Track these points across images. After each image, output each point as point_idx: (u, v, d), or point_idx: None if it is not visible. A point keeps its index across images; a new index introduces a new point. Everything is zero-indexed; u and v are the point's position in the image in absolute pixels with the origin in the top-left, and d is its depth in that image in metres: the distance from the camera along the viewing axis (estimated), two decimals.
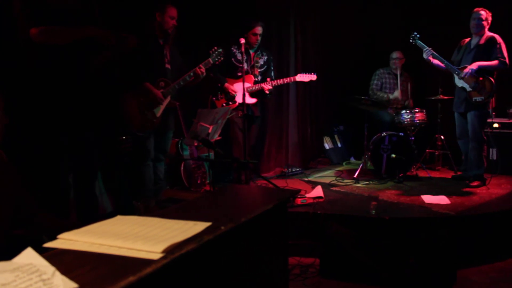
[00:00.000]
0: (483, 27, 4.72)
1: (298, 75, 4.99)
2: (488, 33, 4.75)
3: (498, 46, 4.64)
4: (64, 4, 3.18)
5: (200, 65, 4.10)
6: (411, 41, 5.05)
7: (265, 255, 1.97)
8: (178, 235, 1.32)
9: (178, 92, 4.23)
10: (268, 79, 4.89)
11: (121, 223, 1.47)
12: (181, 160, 4.99)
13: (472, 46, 4.83)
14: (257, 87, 4.84)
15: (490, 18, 4.74)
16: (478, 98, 4.67)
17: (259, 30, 4.82)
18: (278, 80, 4.88)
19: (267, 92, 4.84)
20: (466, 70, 4.65)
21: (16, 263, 1.11)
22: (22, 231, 2.04)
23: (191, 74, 4.06)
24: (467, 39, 4.95)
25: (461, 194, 4.48)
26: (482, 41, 4.74)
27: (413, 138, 5.49)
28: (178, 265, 1.23)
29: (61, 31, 3.07)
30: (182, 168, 4.98)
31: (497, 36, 4.70)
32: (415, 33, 5.03)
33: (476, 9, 4.76)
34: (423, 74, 6.16)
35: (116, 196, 4.31)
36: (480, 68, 4.62)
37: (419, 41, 5.00)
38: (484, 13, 4.71)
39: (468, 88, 4.72)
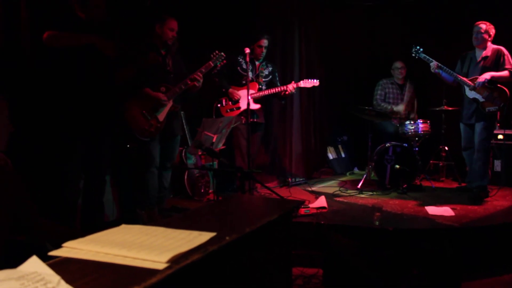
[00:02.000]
0: (484, 40, 4.76)
1: (301, 81, 5.05)
2: (493, 45, 4.78)
3: (505, 57, 4.69)
4: (89, 17, 3.30)
5: (196, 72, 4.11)
6: (413, 55, 5.06)
7: (269, 265, 1.96)
8: (183, 245, 1.31)
9: (182, 99, 4.24)
10: (293, 82, 4.99)
11: (126, 232, 1.47)
12: (185, 169, 4.99)
13: (478, 58, 4.84)
14: (276, 90, 4.92)
15: (492, 31, 4.78)
16: (492, 108, 4.67)
17: (264, 42, 4.93)
18: (289, 85, 4.94)
19: (289, 92, 4.92)
20: (479, 80, 4.66)
21: (22, 271, 1.11)
22: (23, 237, 2.04)
23: (187, 81, 4.07)
24: (469, 52, 4.97)
25: (465, 205, 4.45)
26: (488, 53, 4.77)
27: (417, 149, 5.48)
28: (183, 275, 1.22)
29: (64, 35, 3.18)
30: (185, 177, 4.98)
31: (502, 48, 4.75)
32: (418, 47, 5.03)
33: (477, 23, 4.81)
34: (427, 85, 6.17)
35: (121, 203, 4.32)
36: (492, 79, 4.64)
37: (423, 54, 4.98)
38: (484, 26, 4.75)
39: (481, 99, 4.71)
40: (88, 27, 3.30)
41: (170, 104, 4.03)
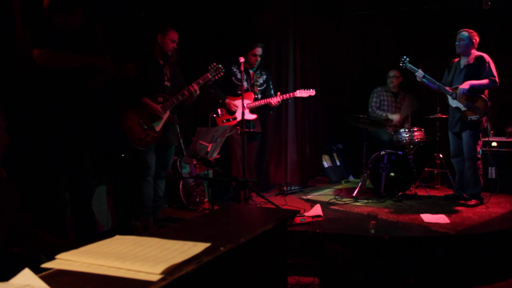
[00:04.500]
0: (466, 47, 4.76)
1: (298, 91, 5.05)
2: (476, 53, 4.77)
3: (487, 64, 4.66)
4: (68, 26, 3.22)
5: (193, 84, 4.13)
6: (401, 65, 5.13)
7: (264, 274, 1.96)
8: (177, 256, 1.31)
9: (178, 109, 4.24)
10: (279, 93, 4.97)
11: (120, 243, 1.46)
12: (180, 178, 4.98)
13: (461, 66, 4.87)
14: (261, 102, 4.90)
15: (476, 38, 4.77)
16: (474, 117, 4.67)
17: (258, 51, 4.91)
18: (284, 95, 4.94)
19: (274, 105, 4.90)
20: (459, 90, 4.69)
21: (13, 284, 1.10)
22: (18, 249, 2.02)
23: (185, 92, 4.09)
24: (456, 59, 5.00)
25: (460, 213, 4.47)
26: (471, 61, 4.77)
27: (411, 156, 5.50)
28: (177, 286, 1.22)
29: (62, 56, 3.11)
30: (180, 186, 4.97)
31: (485, 55, 4.73)
32: (404, 56, 5.10)
33: (460, 30, 4.82)
34: (421, 93, 6.20)
35: (116, 214, 4.30)
36: (472, 87, 4.64)
37: (409, 65, 5.05)
38: (466, 34, 4.75)
39: (463, 108, 4.74)
40: (69, 36, 3.22)
41: (167, 114, 4.05)
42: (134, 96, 3.95)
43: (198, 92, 4.15)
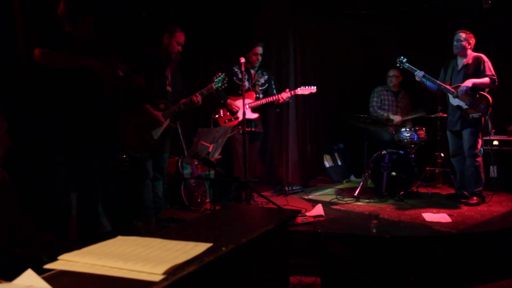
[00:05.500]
0: (464, 48, 4.85)
1: (298, 88, 5.05)
2: (474, 53, 4.87)
3: (485, 64, 4.76)
4: (79, 35, 3.24)
5: (197, 93, 4.09)
6: (398, 65, 5.20)
7: (266, 274, 1.96)
8: (179, 256, 1.31)
9: (177, 115, 4.23)
10: (287, 89, 4.97)
11: (122, 244, 1.46)
12: (181, 179, 4.98)
13: (459, 66, 4.94)
14: (269, 100, 4.90)
15: (472, 40, 4.88)
16: (475, 115, 4.72)
17: (259, 50, 4.89)
18: (290, 92, 4.95)
19: (282, 101, 4.89)
20: (461, 88, 4.74)
21: (16, 284, 1.11)
22: (19, 250, 2.03)
23: (188, 101, 4.06)
24: (452, 60, 5.07)
25: (462, 212, 4.46)
26: (469, 61, 4.86)
27: (413, 156, 5.49)
28: (179, 287, 1.22)
29: (61, 55, 3.11)
30: (182, 187, 4.97)
31: (482, 55, 4.82)
32: (402, 57, 5.15)
33: (457, 31, 4.91)
34: (421, 92, 6.20)
35: (115, 215, 4.29)
36: (474, 85, 4.70)
37: (407, 64, 5.10)
38: (464, 35, 4.85)
39: (464, 106, 4.78)
40: (76, 43, 3.22)
41: (167, 122, 4.02)
42: (136, 101, 3.91)
43: (200, 102, 4.13)
